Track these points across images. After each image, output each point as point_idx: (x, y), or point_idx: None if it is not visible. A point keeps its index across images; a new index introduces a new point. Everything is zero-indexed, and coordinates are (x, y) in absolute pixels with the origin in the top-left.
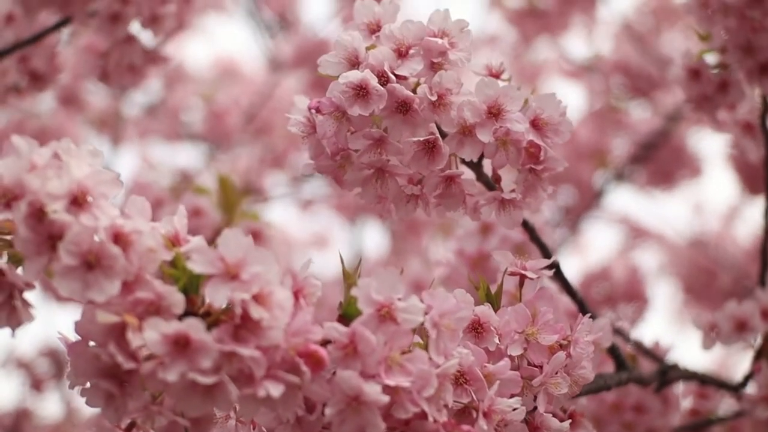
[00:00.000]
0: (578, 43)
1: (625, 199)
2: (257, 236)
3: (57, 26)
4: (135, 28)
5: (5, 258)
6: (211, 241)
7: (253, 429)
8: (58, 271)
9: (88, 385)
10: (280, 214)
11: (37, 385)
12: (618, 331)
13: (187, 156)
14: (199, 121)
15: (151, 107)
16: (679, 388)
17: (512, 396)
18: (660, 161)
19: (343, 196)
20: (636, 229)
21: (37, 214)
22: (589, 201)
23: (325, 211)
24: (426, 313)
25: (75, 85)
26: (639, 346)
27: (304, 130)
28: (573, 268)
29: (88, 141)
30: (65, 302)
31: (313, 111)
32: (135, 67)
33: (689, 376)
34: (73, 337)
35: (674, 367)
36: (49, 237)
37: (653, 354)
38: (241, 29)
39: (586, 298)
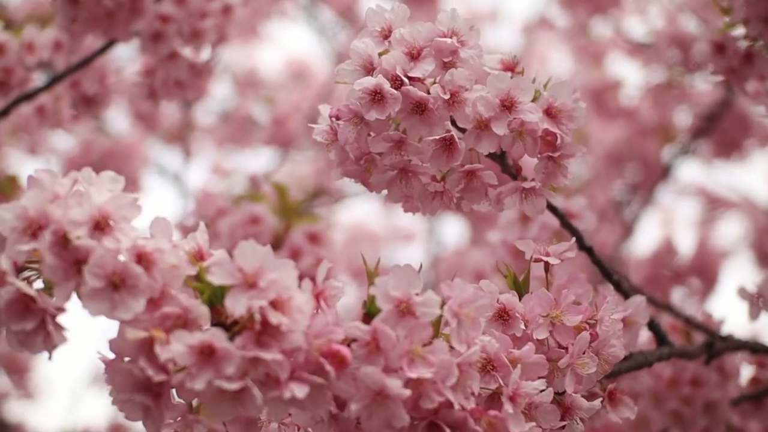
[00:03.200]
0: (636, 21)
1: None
2: (315, 238)
3: (103, 49)
4: (178, 44)
5: (37, 285)
6: (273, 247)
7: (298, 431)
8: (84, 294)
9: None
10: (364, 211)
11: None
12: (668, 308)
13: (259, 162)
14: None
15: (224, 115)
16: (737, 358)
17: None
18: (724, 132)
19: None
20: (714, 200)
21: (62, 241)
22: (657, 177)
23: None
24: (444, 304)
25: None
26: (689, 321)
27: (327, 138)
28: (653, 243)
29: (159, 156)
30: None
31: (334, 119)
32: (181, 83)
33: (738, 346)
34: (110, 354)
35: (722, 338)
36: (75, 262)
37: (705, 328)
38: (306, 32)
39: (656, 276)
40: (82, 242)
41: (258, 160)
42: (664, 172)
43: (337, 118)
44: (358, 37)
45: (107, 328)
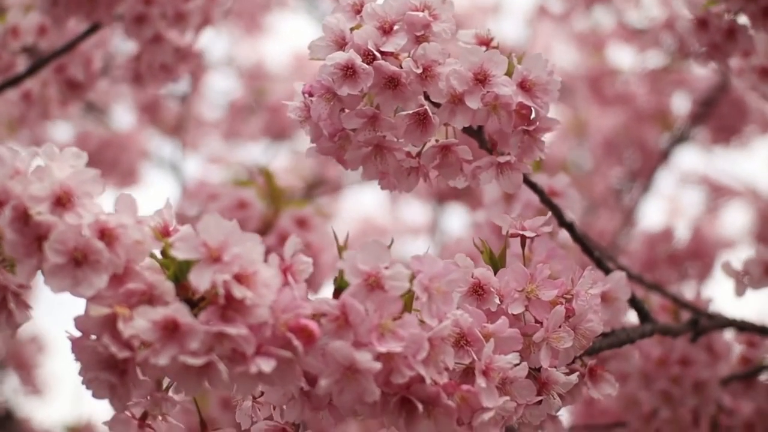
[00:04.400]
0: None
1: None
2: (304, 223)
3: (87, 33)
4: (162, 27)
5: None
6: (261, 233)
7: (273, 410)
8: (46, 270)
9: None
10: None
11: None
12: (656, 287)
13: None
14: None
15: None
16: (728, 338)
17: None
18: (721, 117)
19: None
20: (718, 189)
21: (22, 217)
22: (656, 163)
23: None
24: (414, 278)
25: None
26: (677, 299)
27: (301, 115)
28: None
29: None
30: None
31: (307, 95)
32: (167, 67)
33: (724, 323)
34: (77, 332)
35: (708, 316)
36: (37, 238)
37: (693, 306)
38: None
39: (652, 260)
40: (43, 218)
41: (256, 151)
42: (662, 159)
43: (310, 95)
44: (331, 13)
45: None
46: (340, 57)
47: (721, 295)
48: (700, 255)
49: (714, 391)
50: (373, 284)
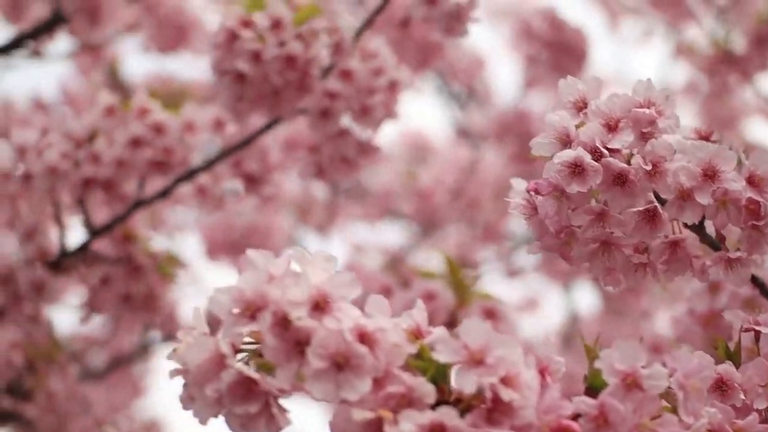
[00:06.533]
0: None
1: None
2: (492, 315)
3: (267, 127)
4: (346, 121)
5: (254, 367)
6: (448, 324)
7: None
8: (309, 375)
9: None
10: (487, 281)
11: None
12: None
13: (392, 237)
14: (404, 201)
15: (347, 190)
16: None
17: None
18: None
19: (556, 262)
20: None
21: (282, 322)
22: None
23: (535, 277)
24: (670, 376)
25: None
26: None
27: (526, 212)
28: None
29: (296, 233)
30: None
31: (532, 193)
32: (348, 160)
33: None
34: None
35: None
36: (297, 343)
37: None
38: (429, 104)
39: None
40: (303, 323)
41: (391, 235)
42: None
43: (536, 192)
44: (551, 110)
45: None
46: (568, 155)
47: None
48: None
49: None
50: (631, 384)
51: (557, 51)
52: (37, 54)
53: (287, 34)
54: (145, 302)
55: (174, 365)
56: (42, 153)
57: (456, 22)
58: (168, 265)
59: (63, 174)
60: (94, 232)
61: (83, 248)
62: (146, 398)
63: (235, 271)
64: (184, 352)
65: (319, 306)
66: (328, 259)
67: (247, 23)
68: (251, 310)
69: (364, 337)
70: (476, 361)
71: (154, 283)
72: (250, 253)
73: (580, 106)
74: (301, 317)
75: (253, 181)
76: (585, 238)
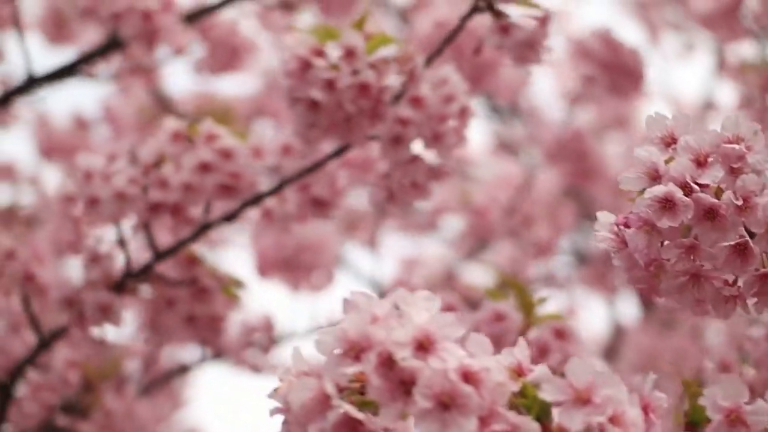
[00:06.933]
0: None
1: None
2: (562, 335)
3: (337, 153)
4: (417, 147)
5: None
6: (514, 343)
7: None
8: (416, 415)
9: None
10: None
11: None
12: None
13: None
14: (455, 217)
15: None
16: None
17: None
18: None
19: (601, 274)
20: None
21: (387, 363)
22: None
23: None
24: None
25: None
26: None
27: (614, 245)
28: None
29: (347, 249)
30: None
31: (622, 227)
32: (418, 185)
33: None
34: None
35: None
36: (401, 383)
37: None
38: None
39: None
40: (408, 363)
41: (439, 250)
42: None
43: (626, 226)
44: (638, 145)
45: None
46: (659, 191)
47: None
48: None
49: None
50: (735, 420)
51: (614, 72)
52: (89, 76)
53: (361, 63)
54: (209, 324)
55: (273, 403)
56: (109, 178)
57: (529, 50)
58: (232, 287)
59: (131, 199)
60: (159, 254)
61: (147, 270)
62: (187, 410)
63: (288, 288)
64: (286, 391)
65: (423, 346)
66: (430, 299)
67: (319, 52)
68: (355, 351)
69: (468, 377)
70: (582, 399)
71: (220, 305)
72: (352, 293)
73: (668, 142)
74: (405, 357)
75: (320, 205)
76: (675, 271)
